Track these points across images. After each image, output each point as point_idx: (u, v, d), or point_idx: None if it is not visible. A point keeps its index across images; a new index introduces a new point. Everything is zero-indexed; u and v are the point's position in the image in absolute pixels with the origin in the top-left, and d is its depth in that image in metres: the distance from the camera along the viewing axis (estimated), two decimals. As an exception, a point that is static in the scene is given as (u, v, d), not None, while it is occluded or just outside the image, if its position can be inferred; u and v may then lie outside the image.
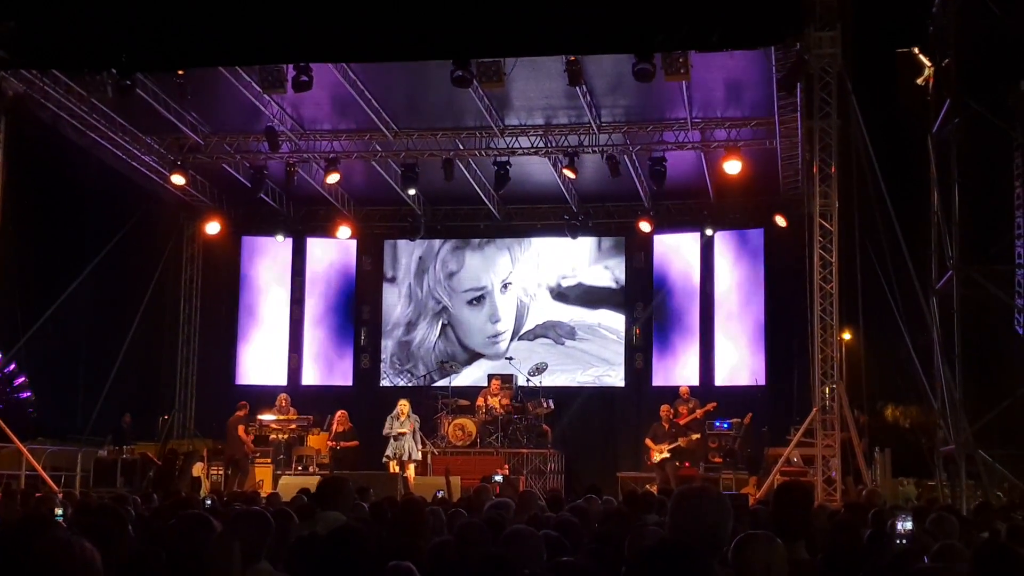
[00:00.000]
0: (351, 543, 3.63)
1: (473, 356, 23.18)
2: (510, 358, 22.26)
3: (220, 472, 18.81)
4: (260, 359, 23.55)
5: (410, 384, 22.81)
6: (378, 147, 20.35)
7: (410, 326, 23.51)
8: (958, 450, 15.52)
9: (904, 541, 6.52)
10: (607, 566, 4.49)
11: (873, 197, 15.69)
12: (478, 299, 23.34)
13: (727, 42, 14.37)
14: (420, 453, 18.63)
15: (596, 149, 19.62)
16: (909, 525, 6.81)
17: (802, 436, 16.31)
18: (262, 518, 4.81)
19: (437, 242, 23.57)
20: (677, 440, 18.49)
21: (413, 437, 18.45)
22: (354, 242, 23.60)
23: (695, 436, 18.71)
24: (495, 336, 23.17)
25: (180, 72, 16.43)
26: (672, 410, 19.06)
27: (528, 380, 21.21)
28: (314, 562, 3.63)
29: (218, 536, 4.18)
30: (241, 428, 18.66)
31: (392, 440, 18.39)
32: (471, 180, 21.26)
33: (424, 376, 23.02)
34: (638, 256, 22.99)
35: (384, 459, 18.40)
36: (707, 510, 3.98)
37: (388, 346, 23.54)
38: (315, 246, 23.82)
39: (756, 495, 15.86)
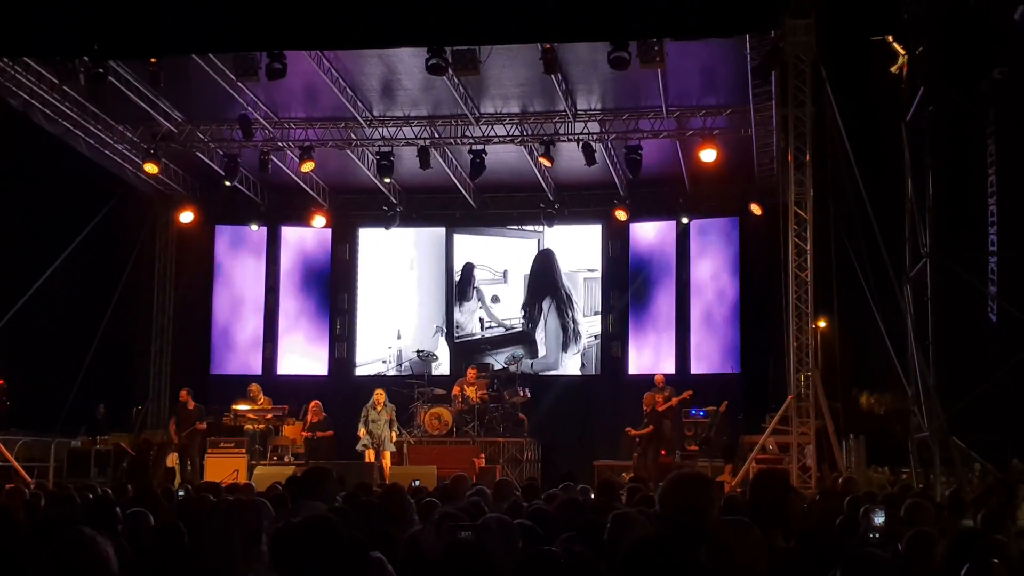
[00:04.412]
0: (327, 532, 3.60)
1: (455, 349, 23.16)
2: (486, 346, 22.37)
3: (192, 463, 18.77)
4: (235, 349, 23.44)
5: (386, 374, 22.79)
6: (353, 135, 20.25)
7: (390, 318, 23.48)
8: (932, 437, 15.62)
9: (877, 535, 6.57)
10: (585, 555, 4.46)
11: (848, 185, 15.75)
12: (460, 293, 23.33)
13: (702, 30, 14.39)
14: (393, 443, 18.62)
15: (572, 137, 19.60)
16: (881, 519, 6.87)
17: (777, 424, 16.38)
18: (259, 506, 4.67)
19: (415, 234, 23.52)
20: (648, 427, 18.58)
21: (389, 427, 18.49)
22: (329, 231, 23.52)
23: (650, 429, 18.69)
24: (477, 330, 23.17)
25: (153, 60, 16.29)
26: (651, 397, 19.11)
27: (505, 368, 21.27)
28: (289, 552, 3.60)
29: (216, 524, 4.15)
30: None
31: (368, 429, 18.41)
32: (447, 168, 21.21)
33: (400, 366, 23.02)
34: (614, 244, 23.01)
35: (360, 447, 18.42)
36: (695, 495, 3.99)
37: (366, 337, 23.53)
38: (290, 235, 23.72)
39: (732, 483, 15.93)
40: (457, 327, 23.28)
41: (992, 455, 15.96)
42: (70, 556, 3.07)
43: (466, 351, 22.90)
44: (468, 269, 23.40)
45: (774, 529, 4.32)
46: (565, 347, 22.92)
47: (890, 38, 17.17)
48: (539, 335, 23.02)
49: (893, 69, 17.32)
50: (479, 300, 23.33)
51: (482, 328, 23.24)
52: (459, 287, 23.36)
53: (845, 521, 7.39)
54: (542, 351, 22.96)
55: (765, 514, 4.36)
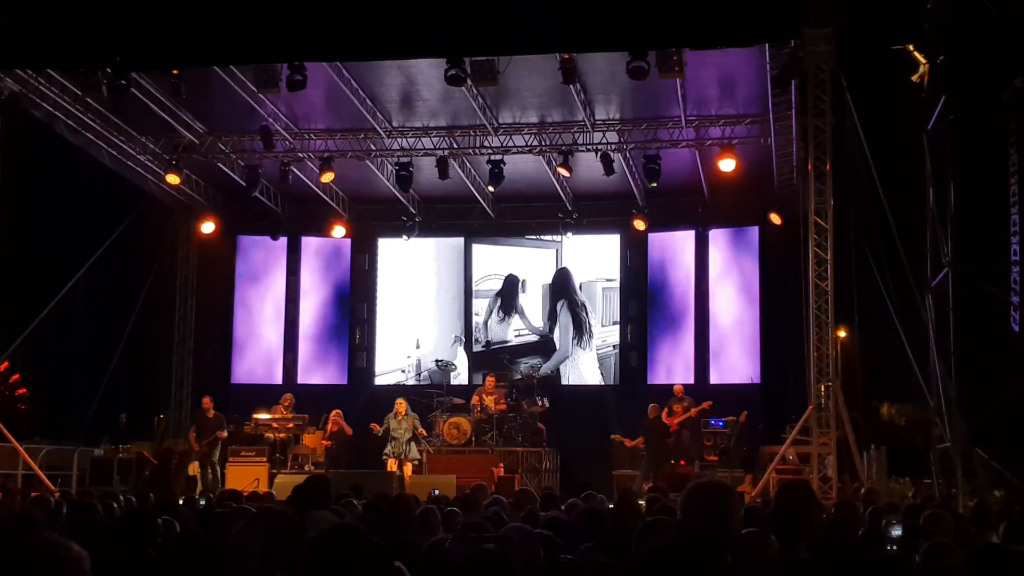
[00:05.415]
0: (357, 541, 3.62)
1: (476, 359, 23.17)
2: (505, 356, 22.41)
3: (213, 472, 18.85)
4: (256, 358, 23.54)
5: (405, 383, 22.82)
6: (372, 146, 20.33)
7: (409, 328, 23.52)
8: (954, 448, 15.53)
9: (895, 547, 6.55)
10: (605, 564, 4.48)
11: (868, 194, 15.70)
12: (504, 305, 23.33)
13: (721, 39, 14.38)
14: (418, 452, 18.67)
15: (590, 147, 19.61)
16: (898, 531, 6.85)
17: (797, 434, 16.31)
18: (284, 517, 4.42)
19: (435, 244, 23.58)
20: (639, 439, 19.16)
21: (414, 435, 18.54)
22: (349, 241, 23.61)
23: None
24: (512, 338, 23.22)
25: (175, 71, 16.41)
26: (667, 409, 19.14)
27: (524, 378, 21.30)
28: (319, 560, 3.62)
29: (237, 534, 4.16)
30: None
31: (391, 438, 18.47)
32: (465, 178, 21.26)
33: (419, 375, 23.04)
34: (632, 254, 23.00)
35: (383, 456, 18.47)
36: (717, 505, 3.98)
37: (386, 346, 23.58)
38: (310, 245, 23.81)
39: (751, 493, 15.89)
40: (480, 334, 23.30)
41: (1015, 466, 15.86)
42: (39, 562, 3.08)
43: (484, 361, 22.91)
44: (513, 282, 23.37)
45: (798, 540, 4.31)
46: (579, 341, 22.89)
47: (911, 47, 17.13)
48: (555, 335, 23.06)
49: (914, 78, 17.27)
50: (518, 310, 23.36)
51: (515, 335, 23.28)
52: (502, 297, 23.34)
53: (867, 533, 7.36)
54: (556, 348, 22.98)
55: (789, 525, 4.35)
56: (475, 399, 20.17)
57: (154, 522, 5.77)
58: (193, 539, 5.73)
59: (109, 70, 15.80)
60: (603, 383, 22.90)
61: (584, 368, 22.92)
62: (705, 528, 3.86)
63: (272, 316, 23.69)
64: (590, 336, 22.93)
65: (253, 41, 14.72)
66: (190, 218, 22.95)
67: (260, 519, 4.19)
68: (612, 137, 19.63)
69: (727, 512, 3.99)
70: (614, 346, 22.99)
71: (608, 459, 20.57)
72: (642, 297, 22.88)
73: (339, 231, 22.99)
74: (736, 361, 21.86)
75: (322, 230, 23.19)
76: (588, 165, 20.17)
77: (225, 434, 18.78)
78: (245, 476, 17.94)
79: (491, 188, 20.87)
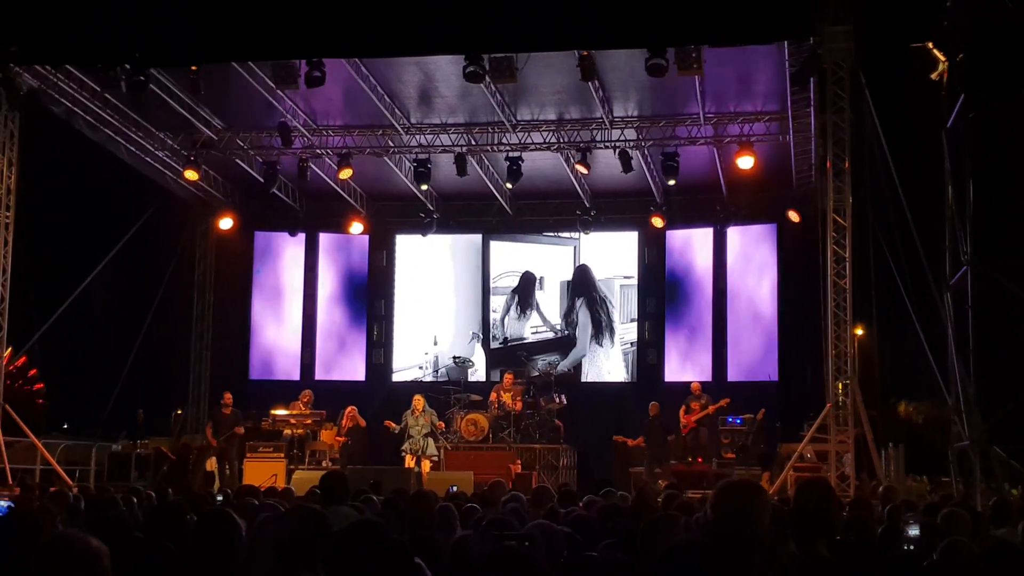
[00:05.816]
0: (376, 537, 3.63)
1: (493, 356, 23.19)
2: (522, 353, 22.42)
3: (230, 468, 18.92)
4: (273, 354, 23.60)
5: (423, 380, 22.86)
6: (390, 142, 20.36)
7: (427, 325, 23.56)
8: (972, 446, 15.46)
9: (912, 546, 6.53)
10: (626, 562, 4.48)
11: (887, 192, 15.64)
12: (521, 303, 23.33)
13: (740, 36, 14.34)
14: (436, 448, 18.67)
15: (608, 144, 19.59)
16: (915, 531, 6.83)
17: (815, 432, 16.28)
18: (316, 516, 4.14)
19: (453, 241, 23.60)
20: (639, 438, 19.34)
21: (432, 432, 18.54)
22: (367, 237, 23.65)
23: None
24: (528, 335, 23.24)
25: (193, 67, 16.45)
26: (684, 406, 19.14)
27: (541, 374, 21.31)
28: (339, 556, 3.62)
29: (256, 529, 4.16)
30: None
31: (408, 435, 18.49)
32: (483, 175, 21.27)
33: (437, 372, 23.08)
34: (650, 251, 22.98)
35: (401, 452, 18.50)
36: (748, 503, 3.98)
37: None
38: (327, 241, 23.87)
39: (769, 491, 15.86)
40: (497, 331, 23.31)
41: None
42: (59, 556, 3.08)
43: (502, 358, 22.93)
44: (530, 279, 23.37)
45: (817, 538, 4.30)
46: (598, 338, 22.87)
47: (930, 44, 17.04)
48: (576, 331, 23.06)
49: (933, 76, 17.18)
50: (535, 307, 23.36)
51: (532, 332, 23.30)
52: (519, 294, 23.35)
53: (885, 531, 7.34)
54: (575, 345, 22.98)
55: (808, 523, 4.34)
56: (493, 396, 20.20)
57: (184, 519, 5.78)
58: (205, 534, 5.73)
59: (128, 66, 15.85)
60: (625, 380, 22.90)
61: (606, 365, 22.92)
62: (735, 527, 3.86)
63: (289, 312, 23.76)
64: (611, 332, 22.94)
65: (272, 37, 14.76)
66: (208, 214, 23.01)
67: (287, 516, 4.19)
68: (630, 134, 19.61)
69: (757, 511, 3.98)
70: (632, 343, 22.98)
71: (626, 456, 20.56)
72: (660, 294, 22.86)
73: (357, 227, 23.03)
74: (754, 358, 21.82)
75: (340, 226, 23.23)
76: (606, 162, 20.16)
77: (242, 430, 18.84)
78: (263, 472, 17.99)
79: (509, 185, 20.86)
